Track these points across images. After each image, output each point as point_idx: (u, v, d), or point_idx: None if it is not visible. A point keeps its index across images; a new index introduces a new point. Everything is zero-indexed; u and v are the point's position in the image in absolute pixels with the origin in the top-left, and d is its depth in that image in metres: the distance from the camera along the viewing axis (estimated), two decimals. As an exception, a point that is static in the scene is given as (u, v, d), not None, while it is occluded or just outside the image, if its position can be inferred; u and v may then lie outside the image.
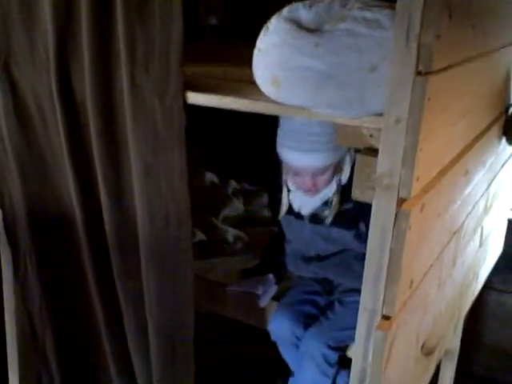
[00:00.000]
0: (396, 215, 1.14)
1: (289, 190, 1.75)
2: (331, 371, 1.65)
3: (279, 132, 1.61)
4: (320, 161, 1.57)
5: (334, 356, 1.63)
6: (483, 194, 1.83)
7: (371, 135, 1.20)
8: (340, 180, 1.66)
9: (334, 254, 1.74)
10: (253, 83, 1.32)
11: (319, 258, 1.76)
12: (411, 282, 1.25)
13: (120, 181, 1.45)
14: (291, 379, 1.77)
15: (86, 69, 1.39)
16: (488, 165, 1.82)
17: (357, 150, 1.31)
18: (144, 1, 1.29)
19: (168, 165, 1.36)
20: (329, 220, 1.68)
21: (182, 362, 1.54)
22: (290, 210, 1.76)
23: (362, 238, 1.60)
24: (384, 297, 1.19)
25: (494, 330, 2.85)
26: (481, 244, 2.02)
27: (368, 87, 1.16)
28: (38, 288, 1.70)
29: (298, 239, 1.79)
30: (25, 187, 1.62)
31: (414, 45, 1.05)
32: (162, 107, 1.33)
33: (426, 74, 1.08)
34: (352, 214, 1.63)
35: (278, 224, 1.85)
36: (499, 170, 2.04)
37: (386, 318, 1.21)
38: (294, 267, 1.84)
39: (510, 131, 1.97)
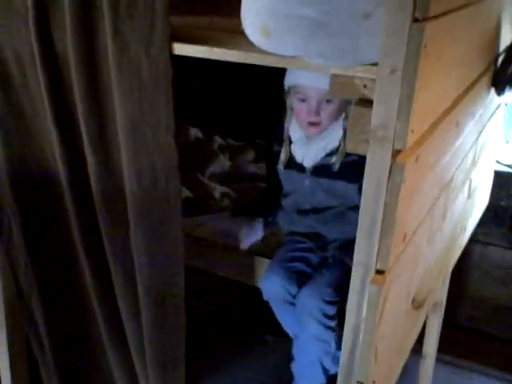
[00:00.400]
0: (391, 168, 1.12)
1: (291, 142, 1.73)
2: (333, 323, 1.65)
3: None
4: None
5: (332, 310, 1.63)
6: (472, 147, 1.81)
7: (365, 86, 1.16)
8: (345, 126, 1.58)
9: (331, 208, 1.72)
10: (241, 33, 1.27)
11: (316, 211, 1.75)
12: (404, 236, 1.24)
13: (105, 137, 1.40)
14: (295, 341, 1.77)
15: (67, 20, 1.33)
16: (477, 116, 1.80)
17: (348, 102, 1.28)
18: None
19: (154, 118, 1.32)
20: (336, 167, 1.66)
21: (172, 320, 1.52)
22: (290, 163, 1.74)
23: None
24: (378, 251, 1.17)
25: (477, 281, 2.88)
26: (469, 196, 2.02)
27: (361, 35, 1.12)
28: (23, 250, 1.67)
29: (297, 192, 1.77)
30: (6, 148, 1.57)
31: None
32: (148, 58, 1.28)
33: (423, 20, 1.04)
34: (356, 166, 1.59)
35: (270, 179, 1.81)
36: (487, 122, 2.02)
37: (379, 272, 1.19)
38: (287, 222, 1.82)
39: (499, 82, 1.94)
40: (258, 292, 1.73)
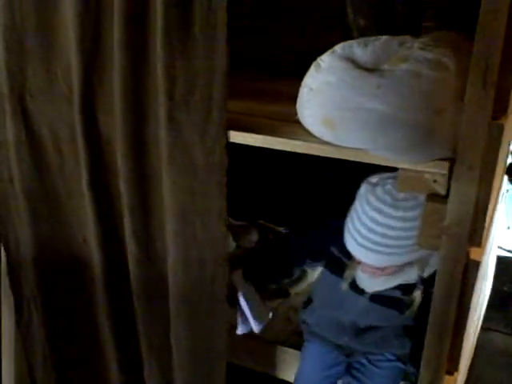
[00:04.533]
0: (466, 266, 1.09)
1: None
2: None
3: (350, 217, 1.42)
4: (383, 262, 1.38)
5: None
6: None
7: (435, 181, 1.14)
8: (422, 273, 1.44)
9: (375, 328, 1.59)
10: (296, 122, 1.26)
11: (357, 329, 1.60)
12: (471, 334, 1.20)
13: (150, 224, 1.35)
14: None
15: (117, 103, 1.29)
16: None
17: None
18: (186, 31, 1.21)
19: (206, 208, 1.27)
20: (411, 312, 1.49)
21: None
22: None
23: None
24: (449, 351, 1.13)
25: (479, 367, 2.83)
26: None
27: (434, 131, 1.11)
28: (42, 340, 1.56)
29: (343, 308, 1.59)
30: (34, 229, 1.49)
31: (492, 90, 1.01)
32: (203, 146, 1.25)
33: (502, 118, 1.04)
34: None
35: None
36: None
37: (449, 373, 1.15)
38: (314, 323, 1.69)
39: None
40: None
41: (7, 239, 1.54)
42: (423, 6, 1.68)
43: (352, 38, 1.31)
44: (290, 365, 1.75)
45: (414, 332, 1.52)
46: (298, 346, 1.76)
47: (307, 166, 1.84)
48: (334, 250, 1.54)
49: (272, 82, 1.70)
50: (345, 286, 1.52)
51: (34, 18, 1.36)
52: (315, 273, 1.86)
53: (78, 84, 1.33)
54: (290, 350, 1.75)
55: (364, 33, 1.66)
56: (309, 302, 1.72)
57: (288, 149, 1.23)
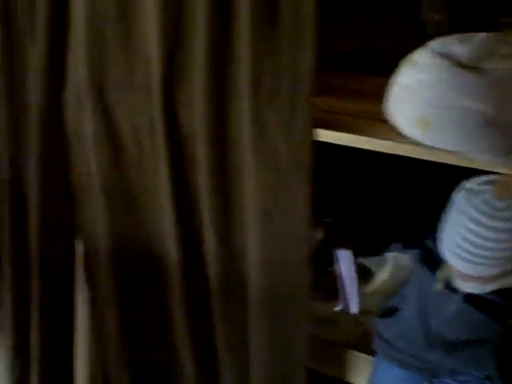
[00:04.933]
0: None
1: None
2: None
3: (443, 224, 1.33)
4: (476, 271, 1.28)
5: None
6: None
7: (538, 186, 1.08)
8: None
9: (466, 343, 1.47)
10: (384, 121, 1.20)
11: (447, 343, 1.47)
12: None
13: (231, 222, 1.32)
14: None
15: (199, 97, 1.27)
16: None
17: None
18: (272, 26, 1.18)
19: (290, 208, 1.24)
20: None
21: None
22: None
23: None
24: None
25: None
26: None
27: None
28: (116, 333, 1.55)
29: (430, 314, 1.47)
30: (111, 224, 1.48)
31: None
32: (288, 144, 1.21)
33: None
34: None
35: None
36: None
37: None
38: (407, 342, 1.54)
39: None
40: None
41: (84, 233, 1.53)
42: (501, 1, 1.62)
43: (426, 34, 1.26)
44: (361, 370, 1.70)
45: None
46: (368, 348, 1.69)
47: (386, 166, 1.78)
48: (429, 243, 1.41)
49: (348, 78, 1.65)
50: (439, 285, 1.40)
51: (114, 10, 1.35)
52: (392, 265, 1.77)
53: (158, 76, 1.31)
54: (362, 355, 1.69)
55: (439, 28, 1.60)
56: (390, 311, 1.60)
57: (377, 149, 1.18)
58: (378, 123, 1.24)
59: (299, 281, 1.27)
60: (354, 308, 1.50)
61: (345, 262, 1.47)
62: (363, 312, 1.93)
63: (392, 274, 1.83)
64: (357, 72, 1.57)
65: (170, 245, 1.41)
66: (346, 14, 1.96)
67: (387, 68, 1.27)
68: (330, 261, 1.58)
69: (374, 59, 1.57)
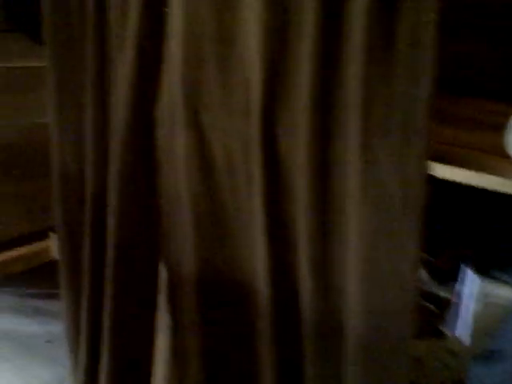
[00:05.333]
0: None
1: None
2: None
3: None
4: None
5: None
6: None
7: None
8: None
9: None
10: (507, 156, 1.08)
11: None
12: None
13: (330, 259, 1.21)
14: None
15: (301, 120, 1.17)
16: None
17: None
18: (388, 50, 1.07)
19: (398, 246, 1.12)
20: None
21: None
22: None
23: None
24: None
25: None
26: None
27: None
28: (197, 363, 1.47)
29: None
30: (198, 249, 1.40)
31: None
32: (400, 177, 1.10)
33: None
34: None
35: None
36: None
37: None
38: None
39: None
40: None
41: (169, 256, 1.46)
42: None
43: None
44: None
45: None
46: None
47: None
48: None
49: (462, 105, 1.52)
50: None
51: (212, 25, 1.28)
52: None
53: (257, 97, 1.23)
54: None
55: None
56: (490, 354, 1.47)
57: (504, 189, 1.05)
58: (496, 158, 1.12)
59: (403, 329, 1.15)
60: (465, 337, 1.35)
61: (469, 284, 1.34)
62: (452, 352, 1.78)
63: (488, 308, 1.68)
64: (469, 98, 1.44)
65: (260, 276, 1.31)
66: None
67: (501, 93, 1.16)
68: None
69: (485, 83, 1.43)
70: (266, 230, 1.27)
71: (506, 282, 1.59)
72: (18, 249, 2.04)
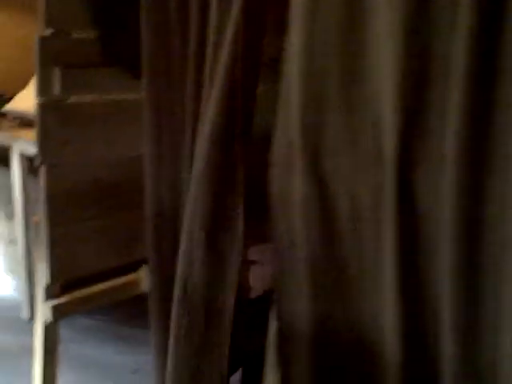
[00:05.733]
0: None
1: None
2: None
3: None
4: None
5: None
6: None
7: None
8: None
9: None
10: None
11: None
12: None
13: (478, 323, 1.06)
14: None
15: (446, 176, 1.04)
16: None
17: None
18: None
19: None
20: None
21: None
22: None
23: None
24: None
25: None
26: None
27: None
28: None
29: None
30: (313, 304, 1.28)
31: None
32: None
33: None
34: None
35: None
36: None
37: None
38: None
39: None
40: None
41: (282, 310, 1.34)
42: None
43: None
44: None
45: None
46: None
47: None
48: None
49: None
50: None
51: (337, 64, 1.16)
52: None
53: (391, 145, 1.10)
54: None
55: None
56: None
57: None
58: None
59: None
60: None
61: None
62: None
63: None
64: None
65: (389, 339, 1.18)
66: None
67: None
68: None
69: None
70: (398, 288, 1.14)
71: None
72: (111, 281, 1.98)
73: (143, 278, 2.08)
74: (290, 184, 1.26)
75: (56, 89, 1.63)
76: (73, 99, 1.66)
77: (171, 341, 1.50)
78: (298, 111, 1.20)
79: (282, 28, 1.23)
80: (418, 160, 1.09)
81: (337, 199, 1.21)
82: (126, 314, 2.74)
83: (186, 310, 1.48)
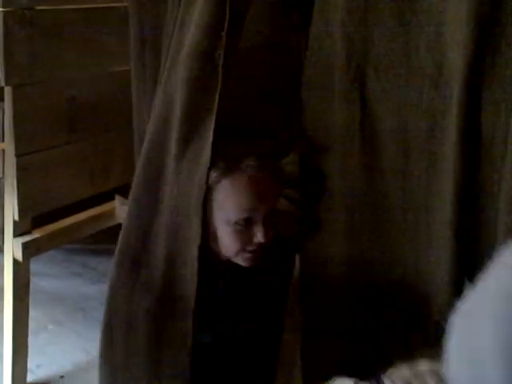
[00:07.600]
0: None
1: None
2: None
3: None
4: None
5: None
6: None
7: None
8: None
9: None
10: None
11: None
12: None
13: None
14: None
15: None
16: None
17: None
18: None
19: None
20: None
21: None
22: None
23: None
24: None
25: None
26: None
27: None
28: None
29: None
30: (349, 243, 1.14)
31: None
32: None
33: None
34: None
35: None
36: None
37: None
38: None
39: None
40: None
41: (308, 255, 1.20)
42: None
43: None
44: None
45: None
46: None
47: None
48: None
49: None
50: None
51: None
52: None
53: (456, 65, 0.93)
54: None
55: None
56: None
57: None
58: None
59: None
60: None
61: None
62: None
63: None
64: None
65: (441, 287, 1.05)
66: None
67: None
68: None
69: None
70: (454, 227, 1.00)
71: None
72: (84, 212, 1.80)
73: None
74: (327, 108, 1.09)
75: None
76: (42, 7, 1.40)
77: None
78: (339, 17, 1.01)
79: None
80: (486, 81, 0.93)
81: (383, 129, 1.04)
82: (92, 243, 2.58)
83: None
